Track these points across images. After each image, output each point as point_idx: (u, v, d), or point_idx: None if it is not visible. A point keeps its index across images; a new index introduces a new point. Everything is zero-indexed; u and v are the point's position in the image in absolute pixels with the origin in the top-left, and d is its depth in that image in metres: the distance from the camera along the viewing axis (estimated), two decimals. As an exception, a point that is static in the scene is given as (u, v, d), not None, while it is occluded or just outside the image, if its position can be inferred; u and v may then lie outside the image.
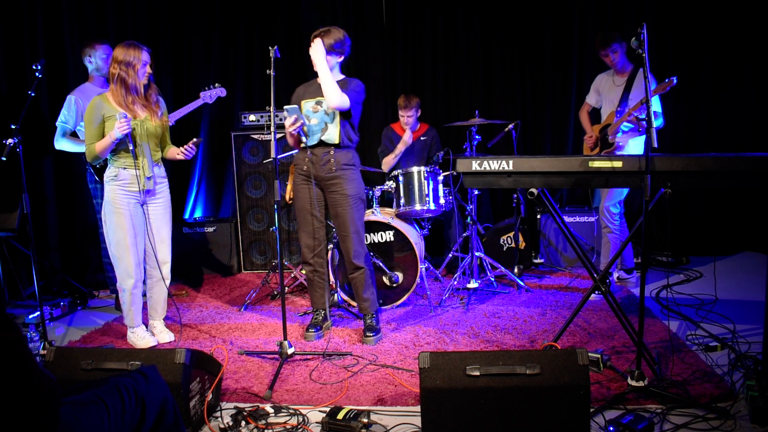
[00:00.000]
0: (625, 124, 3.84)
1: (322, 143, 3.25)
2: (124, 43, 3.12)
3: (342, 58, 3.28)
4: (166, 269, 3.37)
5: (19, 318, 3.85)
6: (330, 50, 3.19)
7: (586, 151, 4.22)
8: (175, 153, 3.31)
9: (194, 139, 3.23)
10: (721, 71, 5.03)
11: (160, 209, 3.32)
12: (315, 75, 3.30)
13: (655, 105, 3.85)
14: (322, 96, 3.21)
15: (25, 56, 4.45)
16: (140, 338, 3.35)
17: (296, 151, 3.37)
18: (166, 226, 3.36)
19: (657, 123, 3.78)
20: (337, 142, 3.24)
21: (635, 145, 3.94)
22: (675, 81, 3.36)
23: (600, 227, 4.29)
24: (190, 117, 5.10)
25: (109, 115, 3.10)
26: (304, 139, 3.24)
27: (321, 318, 3.46)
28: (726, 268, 4.67)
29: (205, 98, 4.06)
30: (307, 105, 3.26)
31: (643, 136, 3.79)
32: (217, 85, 4.10)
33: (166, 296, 3.45)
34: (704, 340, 3.10)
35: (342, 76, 3.32)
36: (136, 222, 3.23)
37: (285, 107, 3.11)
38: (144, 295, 3.43)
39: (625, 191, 4.09)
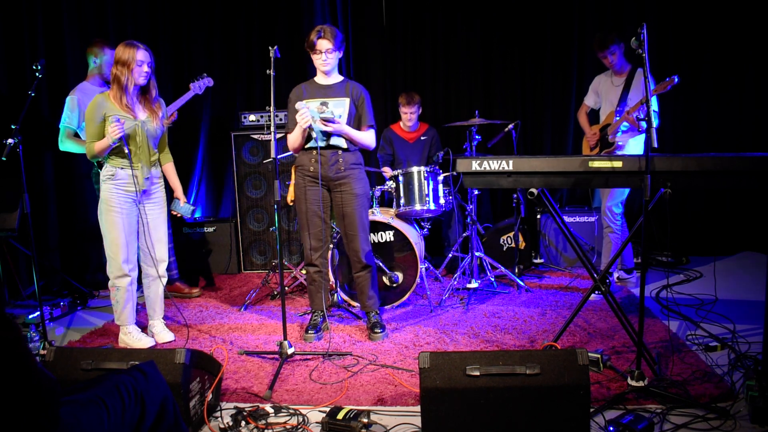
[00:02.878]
0: (624, 123, 3.84)
1: (330, 145, 3.25)
2: (124, 42, 3.11)
3: (341, 54, 3.30)
4: (163, 268, 3.37)
5: (19, 318, 3.85)
6: (339, 47, 3.22)
7: (587, 150, 4.21)
8: (171, 175, 3.44)
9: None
10: (721, 71, 5.03)
11: (157, 209, 3.34)
12: (313, 74, 3.32)
13: (653, 105, 3.84)
14: (327, 97, 3.23)
15: (25, 56, 4.45)
16: (135, 339, 3.30)
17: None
18: (162, 225, 3.38)
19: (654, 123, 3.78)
20: (345, 146, 3.26)
21: (635, 145, 3.94)
22: (677, 80, 3.35)
23: (600, 227, 4.29)
24: (190, 116, 5.12)
25: (110, 114, 3.08)
26: (316, 138, 3.20)
27: (320, 319, 3.46)
28: (726, 268, 4.67)
29: (195, 89, 4.07)
30: (311, 106, 3.21)
31: (643, 136, 3.78)
32: (204, 75, 4.12)
33: (163, 295, 3.45)
34: (704, 340, 3.10)
35: (341, 78, 3.33)
36: (131, 221, 3.23)
37: (318, 106, 3.16)
38: (142, 295, 3.43)
39: (627, 191, 4.08)
